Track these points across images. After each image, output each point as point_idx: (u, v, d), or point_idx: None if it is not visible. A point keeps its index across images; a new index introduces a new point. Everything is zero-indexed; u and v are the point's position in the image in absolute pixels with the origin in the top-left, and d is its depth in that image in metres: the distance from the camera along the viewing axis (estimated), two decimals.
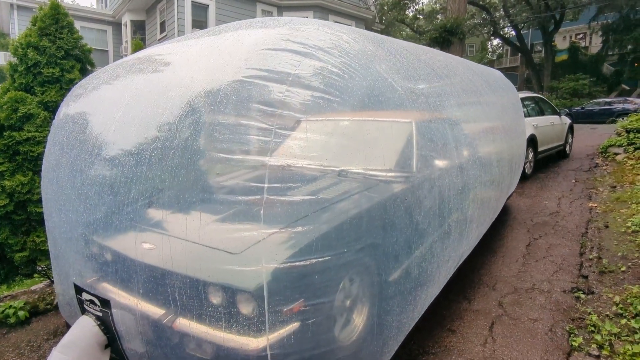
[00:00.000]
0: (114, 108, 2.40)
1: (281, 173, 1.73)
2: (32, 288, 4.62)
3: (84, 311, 2.31)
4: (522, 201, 6.82)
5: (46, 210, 2.61)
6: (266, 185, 1.69)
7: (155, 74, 2.41)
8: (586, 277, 3.96)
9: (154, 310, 2.08)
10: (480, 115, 3.70)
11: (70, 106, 2.69)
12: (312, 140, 1.77)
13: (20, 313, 3.38)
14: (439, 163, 2.54)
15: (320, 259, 1.80)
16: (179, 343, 2.08)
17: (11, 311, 3.38)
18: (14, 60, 4.14)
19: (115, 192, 2.13)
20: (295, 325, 1.85)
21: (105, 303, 2.15)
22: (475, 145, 3.27)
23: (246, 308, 1.86)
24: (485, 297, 3.65)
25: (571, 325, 3.13)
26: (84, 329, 2.16)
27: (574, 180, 7.95)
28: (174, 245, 2.00)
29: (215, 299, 1.92)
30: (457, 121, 2.99)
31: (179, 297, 1.99)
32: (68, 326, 2.55)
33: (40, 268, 4.37)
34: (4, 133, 3.86)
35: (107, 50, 18.97)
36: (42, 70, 4.07)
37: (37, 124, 3.93)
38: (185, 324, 2.01)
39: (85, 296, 2.26)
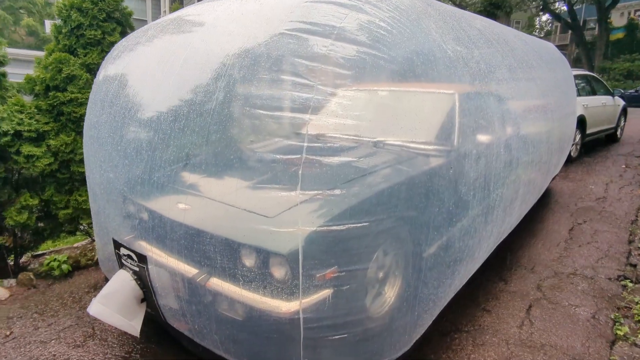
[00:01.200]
0: (150, 68, 2.38)
1: (322, 133, 1.65)
2: (75, 245, 4.85)
3: (122, 266, 2.37)
4: (566, 185, 6.46)
5: (87, 168, 2.66)
6: (306, 144, 1.62)
7: (193, 33, 2.35)
8: (634, 265, 3.71)
9: (188, 269, 2.10)
10: (531, 89, 3.44)
11: (109, 67, 2.70)
12: (355, 100, 1.68)
13: (64, 266, 3.55)
14: (483, 138, 2.38)
15: (357, 224, 1.73)
16: (212, 302, 2.09)
17: (55, 264, 3.55)
18: (59, 22, 4.21)
19: (152, 152, 2.13)
20: (327, 291, 1.81)
21: (142, 258, 2.19)
22: (523, 121, 3.06)
23: (279, 271, 1.83)
24: (523, 280, 3.49)
25: (616, 314, 2.95)
26: (122, 283, 2.21)
27: (624, 166, 7.44)
28: (208, 207, 1.99)
29: (249, 261, 1.90)
30: (505, 94, 2.79)
31: (212, 257, 1.99)
32: (107, 280, 2.64)
33: (82, 226, 4.56)
34: (49, 93, 3.97)
35: (146, 20, 19.22)
36: (84, 33, 4.12)
37: (80, 85, 4.01)
38: (218, 284, 2.01)
39: (123, 251, 2.31)
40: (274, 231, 1.79)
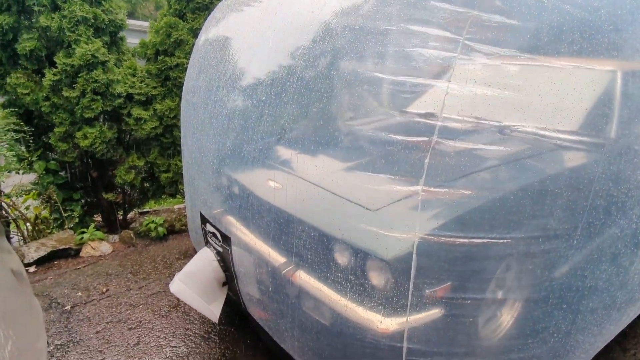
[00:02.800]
0: (249, 33, 2.09)
1: (462, 108, 1.18)
2: (174, 207, 5.06)
3: (207, 243, 2.20)
4: None
5: (182, 133, 2.54)
6: (439, 124, 1.17)
7: None
8: None
9: (274, 256, 1.83)
10: None
11: (210, 30, 2.49)
12: (521, 69, 1.16)
13: (160, 229, 3.63)
14: None
15: (484, 240, 1.24)
16: (297, 298, 1.80)
17: (153, 226, 3.64)
18: None
19: (246, 123, 1.86)
20: (437, 311, 1.37)
21: (226, 239, 1.97)
22: None
23: (378, 279, 1.45)
24: None
25: None
26: (205, 262, 2.04)
27: None
28: (301, 189, 1.66)
29: (342, 258, 1.54)
30: None
31: (300, 247, 1.68)
32: (195, 252, 2.53)
33: (181, 190, 4.71)
34: (159, 58, 4.02)
35: None
36: None
37: (186, 50, 3.99)
38: (305, 278, 1.70)
39: (209, 228, 2.13)
40: (378, 229, 1.40)
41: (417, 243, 1.28)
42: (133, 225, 4.00)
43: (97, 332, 2.28)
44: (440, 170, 1.22)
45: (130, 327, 2.34)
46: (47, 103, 3.64)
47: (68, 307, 2.52)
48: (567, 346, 1.43)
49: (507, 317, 1.36)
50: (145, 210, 5.39)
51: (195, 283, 1.98)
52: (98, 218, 4.74)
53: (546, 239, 1.24)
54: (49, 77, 3.53)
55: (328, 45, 1.53)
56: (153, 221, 3.66)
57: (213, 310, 2.00)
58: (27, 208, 4.01)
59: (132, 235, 3.60)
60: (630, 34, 1.22)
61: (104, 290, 2.73)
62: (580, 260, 1.31)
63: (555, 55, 1.21)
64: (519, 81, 1.21)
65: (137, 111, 3.91)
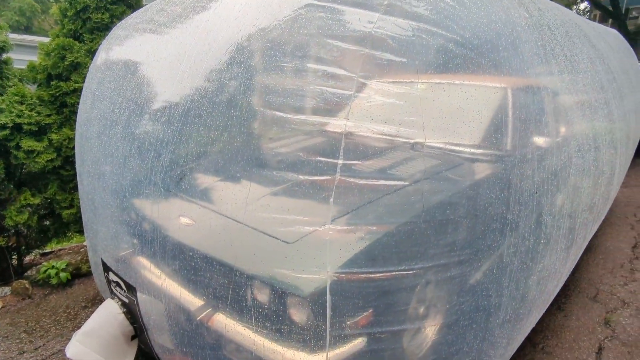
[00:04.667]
0: (153, 53, 1.94)
1: (361, 143, 1.18)
2: (82, 245, 4.56)
3: (112, 292, 1.98)
4: (620, 191, 5.76)
5: (77, 170, 2.28)
6: (341, 162, 1.15)
7: (206, 10, 1.89)
8: None
9: (188, 301, 1.69)
10: (604, 83, 2.84)
11: (106, 52, 2.28)
12: (411, 99, 1.19)
13: (62, 275, 3.23)
14: (545, 140, 1.84)
15: (394, 273, 1.25)
16: (216, 344, 1.68)
17: (53, 272, 3.23)
18: (65, 3, 3.84)
19: (149, 154, 1.70)
20: (359, 341, 1.36)
21: (131, 289, 1.78)
22: (596, 120, 2.48)
23: (299, 315, 1.39)
24: (586, 311, 2.95)
25: None
26: (108, 317, 1.82)
27: None
28: (214, 223, 1.56)
29: (261, 297, 1.47)
30: (576, 87, 2.22)
31: (216, 288, 1.57)
32: (104, 298, 2.27)
33: None
34: (51, 82, 3.62)
35: None
36: (90, 16, 3.74)
37: (84, 74, 3.64)
38: (223, 322, 1.59)
39: (112, 276, 1.91)
40: (295, 264, 1.35)
41: (330, 281, 1.25)
42: (29, 272, 3.51)
43: None
44: (345, 207, 1.20)
45: None
46: None
47: None
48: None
49: (424, 345, 1.37)
50: (48, 251, 4.79)
51: (97, 342, 1.76)
52: None
53: (452, 265, 1.28)
54: None
55: (225, 79, 1.46)
56: (53, 266, 3.24)
57: None
58: None
59: (27, 286, 3.15)
60: (508, 69, 1.32)
61: None
62: (484, 281, 1.36)
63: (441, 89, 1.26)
64: (410, 116, 1.23)
65: (27, 143, 3.47)
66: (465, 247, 1.28)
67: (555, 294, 2.08)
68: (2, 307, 2.94)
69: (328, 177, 1.17)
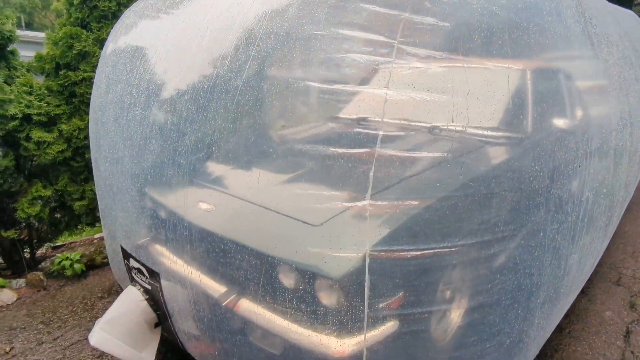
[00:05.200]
0: (165, 42, 1.88)
1: (403, 115, 1.11)
2: (93, 237, 4.54)
3: (132, 280, 1.93)
4: None
5: (93, 157, 2.23)
6: (381, 133, 1.09)
7: None
8: None
9: (212, 287, 1.64)
10: (632, 60, 2.75)
11: (119, 39, 2.22)
12: (454, 66, 1.12)
13: (77, 266, 3.19)
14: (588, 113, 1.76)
15: (435, 250, 1.20)
16: (242, 329, 1.64)
17: (67, 263, 3.20)
18: None
19: (167, 140, 1.65)
20: (393, 327, 1.31)
21: (154, 275, 1.74)
22: (630, 96, 2.39)
23: (329, 299, 1.34)
24: (610, 295, 2.88)
25: None
26: (130, 304, 1.78)
27: None
28: (236, 208, 1.51)
29: (287, 281, 1.42)
30: (612, 59, 2.14)
31: (241, 274, 1.52)
32: (122, 289, 2.23)
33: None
34: (60, 72, 3.57)
35: None
36: (97, 4, 3.67)
37: (93, 63, 3.58)
38: (249, 307, 1.55)
39: (133, 263, 1.87)
40: (324, 247, 1.30)
41: (369, 260, 1.19)
42: (43, 264, 3.48)
43: None
44: (385, 181, 1.15)
45: None
46: None
47: None
48: (521, 344, 1.44)
49: (464, 326, 1.32)
50: (59, 244, 4.77)
51: (120, 329, 1.72)
52: None
53: (495, 241, 1.22)
54: None
55: (253, 52, 1.39)
56: (67, 257, 3.21)
57: (145, 357, 1.74)
58: None
59: (41, 277, 3.12)
60: (553, 34, 1.25)
61: (7, 349, 2.29)
62: (526, 259, 1.31)
63: (486, 56, 1.19)
64: (453, 83, 1.17)
65: (37, 134, 3.42)
66: (509, 223, 1.22)
67: (590, 273, 2.02)
68: (17, 299, 2.91)
69: (367, 150, 1.11)
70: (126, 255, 1.91)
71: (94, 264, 3.37)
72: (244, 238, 1.51)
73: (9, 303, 2.86)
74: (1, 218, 3.79)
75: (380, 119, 1.08)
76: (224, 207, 1.57)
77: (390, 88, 1.08)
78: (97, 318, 2.56)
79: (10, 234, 3.56)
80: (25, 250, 4.00)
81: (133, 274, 1.90)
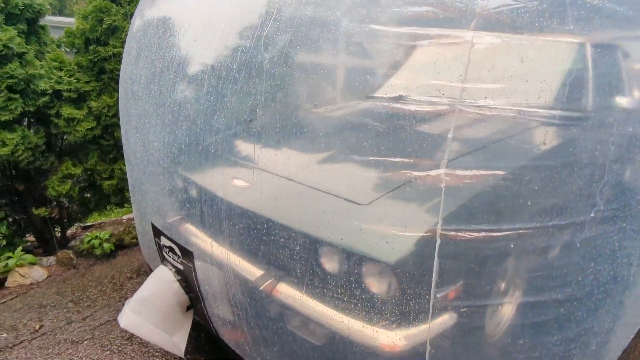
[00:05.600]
0: (193, 13, 1.72)
1: (490, 61, 0.91)
2: (122, 218, 4.52)
3: (163, 259, 1.82)
4: None
5: (123, 130, 2.11)
6: (463, 86, 0.89)
7: None
8: None
9: (249, 270, 1.50)
10: None
11: (145, 12, 2.08)
12: None
13: (106, 245, 3.14)
14: None
15: (527, 229, 1.00)
16: (279, 316, 1.49)
17: (97, 242, 3.15)
18: None
19: (200, 112, 1.50)
20: (458, 317, 1.13)
21: (187, 254, 1.61)
22: None
23: (378, 285, 1.18)
24: None
25: None
26: (162, 284, 1.66)
27: None
28: (273, 186, 1.35)
29: (330, 265, 1.26)
30: None
31: (280, 256, 1.37)
32: (151, 270, 2.13)
33: (129, 198, 4.18)
34: (89, 47, 3.48)
35: None
36: None
37: (122, 38, 3.48)
38: (288, 292, 1.40)
39: (164, 241, 1.75)
40: (377, 226, 1.13)
41: (440, 241, 1.01)
42: (73, 243, 3.46)
43: None
44: (465, 145, 0.95)
45: None
46: None
47: None
48: (608, 345, 1.23)
49: (546, 323, 1.12)
50: (89, 224, 4.78)
51: (151, 311, 1.60)
52: (31, 238, 4.11)
53: (594, 222, 1.01)
54: None
55: (298, 15, 1.22)
56: (97, 236, 3.16)
57: (177, 342, 1.63)
58: None
59: (71, 256, 3.08)
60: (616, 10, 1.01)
61: (37, 327, 2.24)
62: (627, 245, 1.09)
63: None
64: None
65: (67, 110, 3.37)
66: (612, 201, 1.01)
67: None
68: (48, 277, 2.88)
69: (446, 106, 0.91)
70: (157, 233, 1.79)
71: (123, 244, 3.31)
72: (284, 217, 1.36)
73: (40, 280, 2.82)
74: (33, 196, 3.79)
75: (465, 67, 0.88)
76: (262, 184, 1.41)
77: (477, 30, 0.88)
78: (126, 298, 2.49)
79: (42, 211, 3.55)
80: (56, 229, 4.01)
81: (164, 253, 1.78)
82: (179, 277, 1.68)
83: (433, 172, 0.96)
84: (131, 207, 4.45)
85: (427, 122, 0.97)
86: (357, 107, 1.18)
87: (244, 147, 1.46)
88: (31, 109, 3.24)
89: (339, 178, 1.25)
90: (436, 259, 1.03)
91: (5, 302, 2.56)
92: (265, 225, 1.35)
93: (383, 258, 1.12)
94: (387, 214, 1.12)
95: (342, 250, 1.18)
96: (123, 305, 2.35)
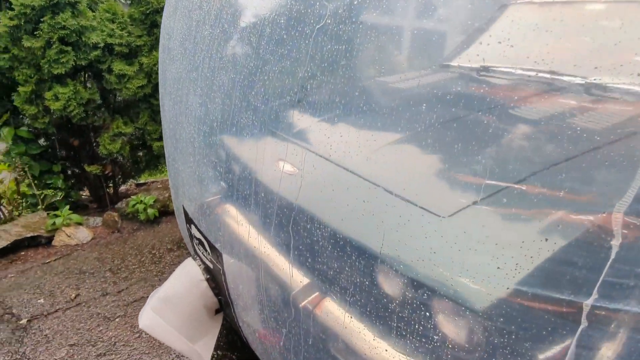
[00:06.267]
0: None
1: None
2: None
3: (195, 252, 1.58)
4: None
5: (160, 92, 1.85)
6: None
7: None
8: None
9: (287, 278, 1.20)
10: None
11: None
12: None
13: (150, 211, 3.03)
14: None
15: None
16: (321, 336, 1.20)
17: (141, 207, 3.04)
18: None
19: (240, 78, 1.16)
20: None
21: (216, 252, 1.34)
22: None
23: (456, 329, 0.82)
24: None
25: None
26: (188, 283, 1.42)
27: None
28: (325, 175, 1.01)
29: (390, 287, 0.91)
30: None
31: (327, 265, 1.05)
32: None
33: None
34: None
35: None
36: None
37: None
38: (334, 311, 1.09)
39: (194, 231, 1.49)
40: (454, 249, 0.76)
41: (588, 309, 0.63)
42: (119, 205, 3.40)
43: None
44: None
45: (99, 352, 1.77)
46: (5, 56, 2.95)
47: (24, 321, 1.96)
48: None
49: None
50: (142, 182, 4.81)
51: (174, 313, 1.37)
52: (86, 193, 4.18)
53: None
54: (4, 21, 2.82)
55: None
56: (141, 201, 3.05)
57: (200, 351, 1.40)
58: (0, 182, 3.44)
59: (116, 219, 3.01)
60: None
61: (73, 295, 2.16)
62: None
63: None
64: None
65: (118, 66, 3.20)
66: None
67: None
68: (92, 239, 2.83)
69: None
70: (188, 220, 1.55)
71: (167, 210, 3.20)
72: (334, 217, 1.02)
73: (84, 242, 2.78)
74: (87, 152, 3.79)
75: None
76: (313, 172, 1.07)
77: None
78: (163, 273, 2.34)
79: (94, 169, 3.52)
80: (109, 186, 4.03)
81: (194, 244, 1.53)
82: (208, 276, 1.43)
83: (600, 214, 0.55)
84: None
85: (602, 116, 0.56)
86: (455, 81, 0.79)
87: (292, 123, 1.12)
88: (83, 63, 3.11)
89: (413, 175, 0.88)
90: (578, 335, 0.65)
91: (49, 262, 2.53)
92: (312, 225, 1.03)
93: (465, 299, 0.76)
94: (476, 233, 0.75)
95: (407, 273, 0.83)
96: (159, 280, 2.20)
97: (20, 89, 3.03)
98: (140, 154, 3.97)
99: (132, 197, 3.14)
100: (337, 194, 0.99)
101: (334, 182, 0.98)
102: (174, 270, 2.24)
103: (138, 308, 2.06)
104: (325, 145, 0.98)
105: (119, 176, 4.06)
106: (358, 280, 0.97)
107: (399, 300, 0.90)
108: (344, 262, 0.99)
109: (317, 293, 1.15)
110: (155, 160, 3.97)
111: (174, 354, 1.74)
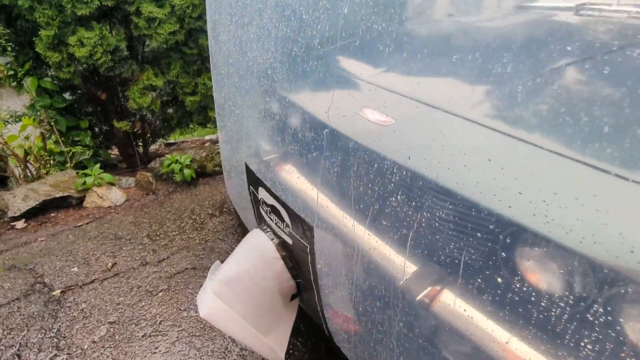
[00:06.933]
0: None
1: None
2: (204, 140, 4.16)
3: (261, 221, 1.27)
4: None
5: (209, 26, 1.49)
6: None
7: None
8: None
9: (395, 262, 0.89)
10: None
11: None
12: None
13: (186, 172, 2.74)
14: None
15: None
16: (435, 336, 0.89)
17: (177, 167, 2.76)
18: None
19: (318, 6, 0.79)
20: None
21: (302, 226, 1.02)
22: None
23: None
24: None
25: None
26: (259, 261, 1.11)
27: None
28: (439, 127, 0.65)
29: (536, 277, 0.58)
30: None
31: (446, 247, 0.73)
32: (241, 222, 1.63)
33: (213, 117, 3.76)
34: None
35: None
36: None
37: None
38: (452, 305, 0.78)
39: (263, 194, 1.18)
40: None
41: None
42: (153, 164, 3.13)
43: (94, 342, 1.49)
44: None
45: (144, 333, 1.53)
46: None
47: (57, 292, 1.74)
48: None
49: None
50: (172, 141, 4.54)
51: (241, 299, 1.08)
52: (115, 152, 3.94)
53: None
54: None
55: None
56: (177, 161, 2.76)
57: (273, 345, 1.12)
58: (26, 138, 3.20)
59: (150, 180, 2.74)
60: None
61: (110, 265, 1.92)
62: None
63: None
64: None
65: (148, 8, 2.83)
66: None
67: None
68: (125, 201, 2.58)
69: None
70: (254, 181, 1.23)
71: (205, 172, 2.91)
72: (455, 183, 0.68)
73: (118, 204, 2.53)
74: (115, 107, 3.50)
75: None
76: (417, 122, 0.72)
77: None
78: (206, 241, 2.07)
79: (123, 125, 3.24)
80: (139, 145, 3.76)
81: (262, 211, 1.22)
82: (284, 253, 1.12)
83: None
84: (214, 127, 4.04)
85: None
86: None
87: (383, 63, 0.76)
88: (109, 4, 2.75)
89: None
90: None
91: (81, 225, 2.29)
92: (422, 191, 0.70)
93: None
94: None
95: (575, 258, 0.50)
96: (203, 250, 1.93)
97: (42, 32, 2.71)
98: (171, 110, 3.67)
99: (166, 156, 2.85)
100: (454, 149, 0.64)
101: (447, 130, 0.63)
102: (218, 240, 1.95)
103: (182, 282, 1.81)
104: (431, 91, 0.62)
105: (148, 134, 3.79)
106: (492, 263, 0.64)
107: (558, 291, 0.56)
108: (473, 241, 0.66)
109: (432, 282, 0.82)
110: (188, 118, 3.67)
111: (230, 338, 1.48)
